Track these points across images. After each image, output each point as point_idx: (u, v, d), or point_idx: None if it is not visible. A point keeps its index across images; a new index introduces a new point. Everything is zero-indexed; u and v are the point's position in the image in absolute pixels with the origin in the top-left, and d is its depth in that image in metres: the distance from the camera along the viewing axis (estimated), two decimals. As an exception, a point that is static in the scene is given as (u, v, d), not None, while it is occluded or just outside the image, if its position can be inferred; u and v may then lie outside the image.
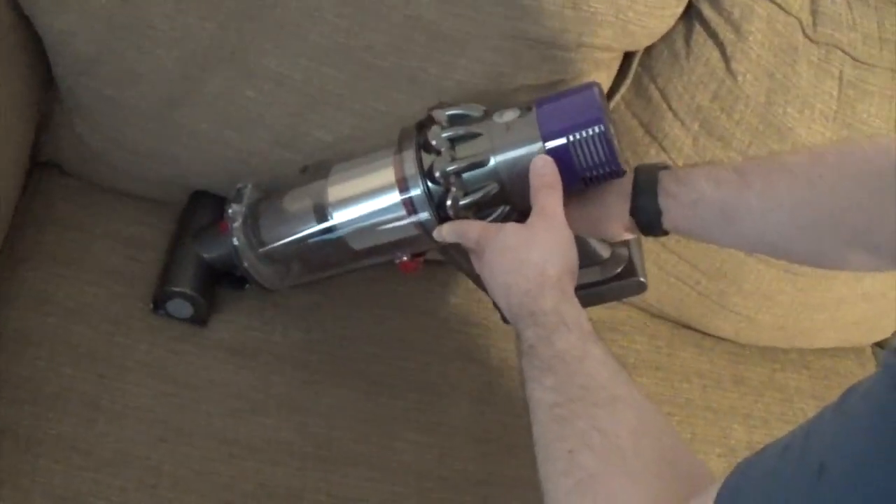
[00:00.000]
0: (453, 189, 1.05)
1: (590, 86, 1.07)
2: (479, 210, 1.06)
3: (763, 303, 1.48)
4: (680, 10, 1.32)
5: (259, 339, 1.27)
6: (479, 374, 1.36)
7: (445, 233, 1.06)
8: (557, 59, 1.25)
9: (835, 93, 1.37)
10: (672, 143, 1.39)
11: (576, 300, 0.93)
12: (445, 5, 1.18)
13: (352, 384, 1.27)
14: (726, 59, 1.32)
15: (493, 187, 1.05)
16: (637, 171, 1.07)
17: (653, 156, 1.40)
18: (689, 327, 1.55)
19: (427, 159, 1.07)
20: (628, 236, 1.12)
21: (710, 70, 1.34)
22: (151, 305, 1.24)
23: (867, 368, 1.73)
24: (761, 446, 1.42)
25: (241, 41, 1.19)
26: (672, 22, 1.32)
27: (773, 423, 1.51)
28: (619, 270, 1.13)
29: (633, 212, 1.06)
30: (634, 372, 1.48)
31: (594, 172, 1.03)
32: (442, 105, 1.11)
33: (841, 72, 1.37)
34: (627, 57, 1.38)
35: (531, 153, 1.03)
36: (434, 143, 1.06)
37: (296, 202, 1.19)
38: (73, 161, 1.35)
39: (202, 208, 1.31)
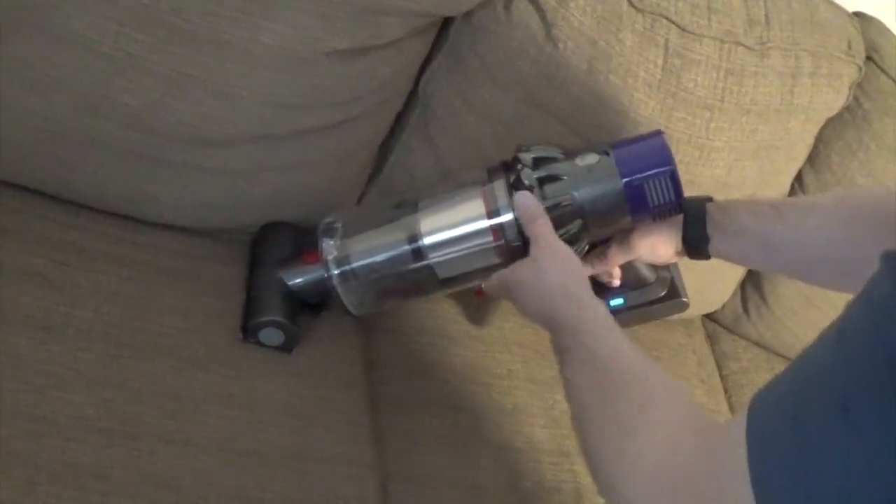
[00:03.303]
0: None
1: (658, 133, 1.27)
2: None
3: (586, 273, 1.57)
4: (500, -26, 1.36)
5: (66, 314, 1.29)
6: (295, 350, 1.41)
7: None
8: (373, 23, 1.29)
9: (659, 62, 1.45)
10: (491, 112, 1.45)
11: (591, 302, 1.14)
12: (255, -33, 1.21)
13: (160, 359, 1.30)
14: (547, 26, 1.38)
15: (577, 224, 1.24)
16: (686, 202, 1.26)
17: (472, 124, 1.47)
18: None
19: None
20: (675, 260, 1.35)
21: (530, 37, 1.39)
22: (241, 334, 1.37)
23: (696, 339, 1.84)
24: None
25: (48, 3, 1.20)
26: (491, -13, 1.37)
27: (598, 395, 1.60)
28: (664, 293, 1.39)
29: (684, 239, 1.27)
30: (455, 343, 1.55)
31: (662, 209, 1.24)
32: (522, 148, 1.28)
33: (666, 41, 1.45)
34: (446, 23, 1.43)
35: (612, 192, 1.23)
36: (526, 182, 1.24)
37: (388, 234, 1.34)
38: None
39: (279, 239, 1.47)
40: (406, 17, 1.32)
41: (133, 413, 1.24)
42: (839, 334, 0.65)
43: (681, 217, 1.27)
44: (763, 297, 1.88)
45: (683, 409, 0.96)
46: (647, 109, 1.45)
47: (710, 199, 1.28)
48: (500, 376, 1.55)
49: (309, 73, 1.31)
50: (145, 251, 1.40)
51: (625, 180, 1.23)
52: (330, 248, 1.35)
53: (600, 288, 1.38)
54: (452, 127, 1.49)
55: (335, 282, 1.35)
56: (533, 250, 1.21)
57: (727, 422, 0.76)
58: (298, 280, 1.39)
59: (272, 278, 1.40)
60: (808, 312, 1.85)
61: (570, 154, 1.27)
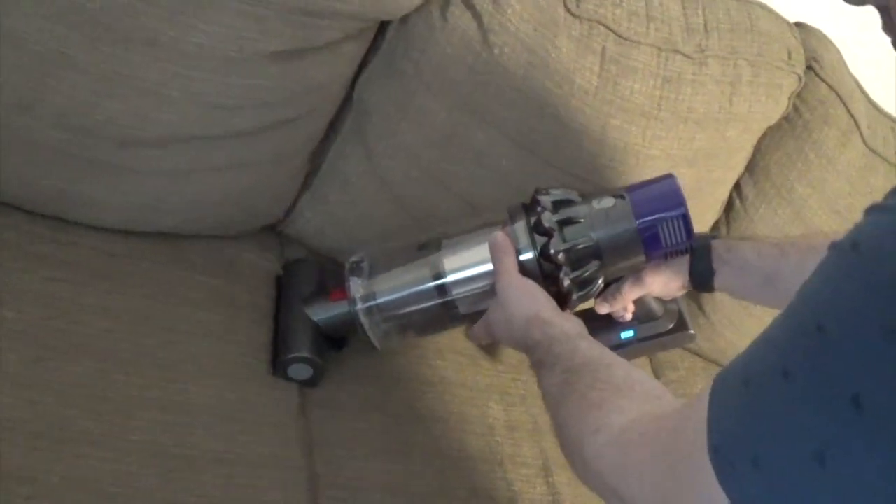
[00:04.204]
0: (564, 266, 1.30)
1: (669, 176, 1.35)
2: (581, 286, 1.32)
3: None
4: (436, -22, 1.37)
5: (-10, 315, 1.28)
6: (222, 352, 1.41)
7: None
8: (305, 25, 1.30)
9: (596, 68, 1.47)
10: (425, 118, 1.46)
11: (557, 320, 1.23)
12: (186, -34, 1.22)
13: (87, 361, 1.29)
14: (483, 31, 1.40)
15: (594, 265, 1.31)
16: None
17: (406, 130, 1.48)
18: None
19: (538, 240, 1.31)
20: (682, 293, 1.44)
21: (466, 43, 1.41)
22: (272, 369, 1.44)
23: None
24: (519, 424, 1.54)
25: (-25, -1, 1.19)
26: (428, -9, 1.38)
27: (530, 401, 1.62)
28: (672, 325, 1.48)
29: (691, 273, 1.37)
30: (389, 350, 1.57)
31: (675, 249, 1.32)
32: (541, 191, 1.34)
33: (603, 48, 1.47)
34: (382, 27, 1.44)
35: (628, 234, 1.30)
36: (547, 225, 1.30)
37: (412, 273, 1.41)
38: None
39: (302, 277, 1.55)
40: (341, 20, 1.32)
41: (59, 415, 1.24)
42: (786, 309, 0.71)
43: (688, 253, 1.36)
44: (700, 307, 1.91)
45: (645, 386, 1.05)
46: (582, 116, 1.47)
47: (714, 237, 1.38)
48: (433, 383, 1.56)
49: (241, 74, 1.31)
50: (74, 251, 1.39)
51: (640, 223, 1.30)
52: (357, 285, 1.42)
53: (612, 322, 1.46)
54: (387, 133, 1.50)
55: (362, 318, 1.42)
56: (497, 288, 1.30)
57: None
58: (326, 317, 1.46)
59: (300, 315, 1.47)
60: (746, 322, 1.88)
61: (586, 197, 1.34)
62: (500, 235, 1.33)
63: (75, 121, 1.30)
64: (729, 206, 1.83)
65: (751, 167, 1.79)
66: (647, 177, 1.53)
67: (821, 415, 0.65)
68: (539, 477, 1.56)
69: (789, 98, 1.69)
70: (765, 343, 0.73)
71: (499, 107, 1.45)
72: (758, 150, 1.77)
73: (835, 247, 0.68)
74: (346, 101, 1.52)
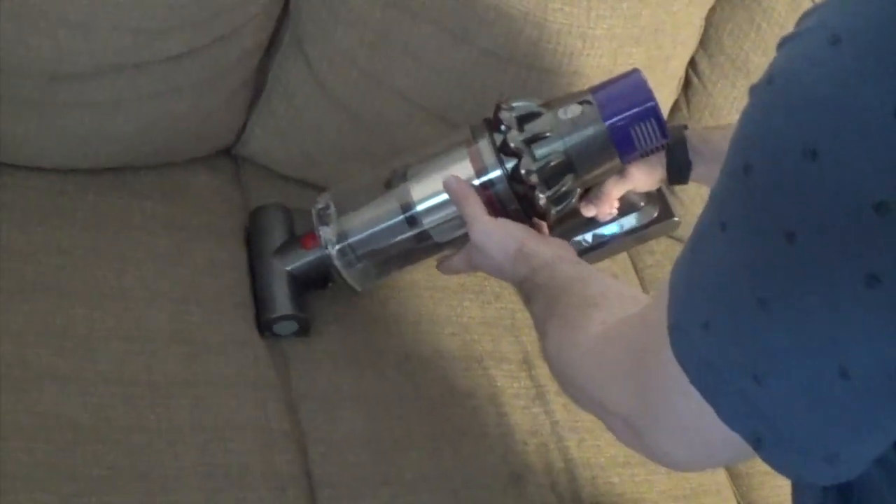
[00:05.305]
0: (538, 184, 1.27)
1: (634, 71, 1.30)
2: (557, 201, 1.30)
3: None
4: None
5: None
6: (179, 276, 1.40)
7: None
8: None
9: (529, -47, 1.44)
10: (359, 18, 1.44)
11: (537, 250, 1.22)
12: None
13: (42, 298, 1.29)
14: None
15: (569, 178, 1.28)
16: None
17: (342, 35, 1.46)
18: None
19: (507, 160, 1.28)
20: (663, 183, 1.41)
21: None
22: (258, 331, 1.41)
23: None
24: (496, 320, 1.52)
25: None
26: None
27: (507, 297, 1.61)
28: (657, 214, 1.45)
29: (667, 167, 1.35)
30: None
31: (650, 147, 1.27)
32: (502, 105, 1.30)
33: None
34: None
35: (599, 141, 1.26)
36: (513, 146, 1.27)
37: (381, 207, 1.38)
38: None
39: (271, 226, 1.50)
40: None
41: (20, 356, 1.24)
42: (721, 165, 0.70)
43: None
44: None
45: (621, 294, 1.07)
46: (520, 2, 1.45)
47: (685, 127, 1.36)
48: (399, 288, 1.55)
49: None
50: (16, 194, 1.38)
51: (610, 127, 1.26)
52: (327, 231, 1.39)
53: (595, 220, 1.43)
54: (323, 39, 1.48)
55: (336, 261, 1.40)
56: (471, 234, 1.28)
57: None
58: (300, 267, 1.44)
59: (275, 269, 1.45)
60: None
61: (550, 106, 1.30)
62: (452, 180, 1.30)
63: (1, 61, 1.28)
64: (687, 84, 1.81)
65: (704, 42, 1.77)
66: (594, 58, 1.52)
67: (759, 257, 0.64)
68: (521, 371, 1.55)
69: (733, -34, 1.67)
70: (706, 205, 0.72)
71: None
72: (709, 24, 1.74)
73: (753, 88, 0.67)
74: (286, 12, 1.50)
